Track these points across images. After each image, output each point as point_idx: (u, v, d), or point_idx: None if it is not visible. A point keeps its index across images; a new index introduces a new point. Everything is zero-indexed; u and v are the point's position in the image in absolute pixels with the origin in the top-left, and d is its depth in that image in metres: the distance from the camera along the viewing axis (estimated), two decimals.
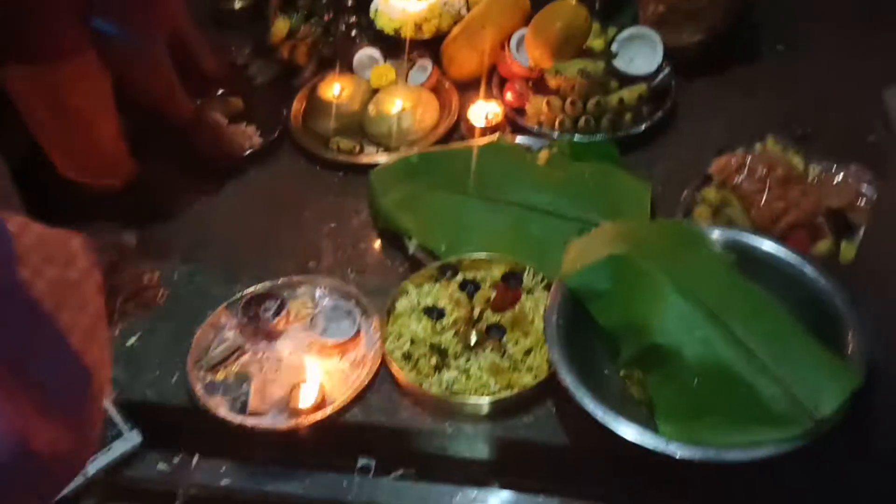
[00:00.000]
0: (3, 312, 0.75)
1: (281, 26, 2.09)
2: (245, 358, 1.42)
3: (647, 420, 1.21)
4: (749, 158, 1.53)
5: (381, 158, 1.80)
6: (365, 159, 1.82)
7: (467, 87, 1.96)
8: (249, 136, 1.87)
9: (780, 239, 1.40)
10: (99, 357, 0.83)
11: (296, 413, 1.33)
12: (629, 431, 1.17)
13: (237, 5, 2.20)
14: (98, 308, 0.85)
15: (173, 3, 1.58)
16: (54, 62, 1.47)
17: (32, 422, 0.73)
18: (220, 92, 1.96)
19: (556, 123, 1.81)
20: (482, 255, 1.50)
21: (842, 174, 1.51)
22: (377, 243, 1.65)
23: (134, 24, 1.45)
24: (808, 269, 1.32)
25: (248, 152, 1.84)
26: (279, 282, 1.52)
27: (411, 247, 1.58)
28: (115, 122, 1.65)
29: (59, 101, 1.53)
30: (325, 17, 2.13)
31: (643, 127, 1.80)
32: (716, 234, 1.39)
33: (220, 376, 1.39)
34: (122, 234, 1.01)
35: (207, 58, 1.84)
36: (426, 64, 1.98)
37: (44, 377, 0.76)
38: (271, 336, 1.44)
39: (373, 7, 2.11)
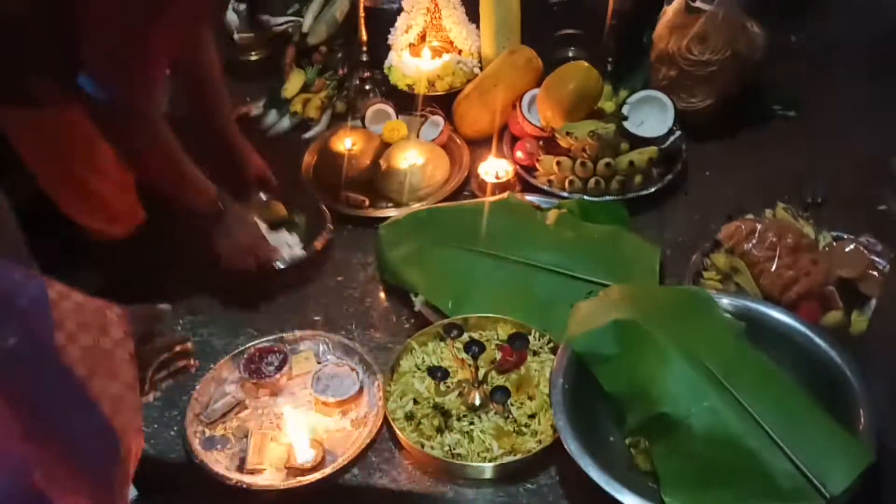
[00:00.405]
0: (38, 375, 0.77)
1: (296, 80, 2.12)
2: (245, 413, 1.40)
3: (652, 491, 1.18)
4: (759, 225, 1.52)
5: (391, 213, 1.80)
6: (374, 213, 1.82)
7: (478, 145, 1.97)
8: (291, 247, 1.69)
9: (790, 308, 1.38)
10: (128, 424, 0.84)
11: (294, 472, 1.30)
12: (634, 502, 1.14)
13: (253, 57, 2.23)
14: (129, 377, 0.87)
15: (159, 66, 1.43)
16: (44, 108, 1.47)
17: (60, 485, 0.73)
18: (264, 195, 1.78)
19: (567, 183, 1.81)
20: (488, 314, 1.48)
21: (853, 244, 1.49)
22: (383, 298, 1.64)
23: (117, 85, 1.34)
24: (819, 340, 1.30)
25: (285, 266, 1.65)
26: (283, 336, 1.50)
27: (417, 303, 1.57)
28: (120, 173, 1.64)
29: (55, 147, 1.53)
30: (340, 72, 2.16)
31: (653, 189, 1.80)
32: (724, 302, 1.37)
33: (218, 431, 1.37)
34: (156, 304, 1.03)
35: (251, 159, 1.75)
36: (438, 120, 1.99)
37: (73, 441, 0.78)
38: (273, 391, 1.42)
39: (387, 63, 2.14)
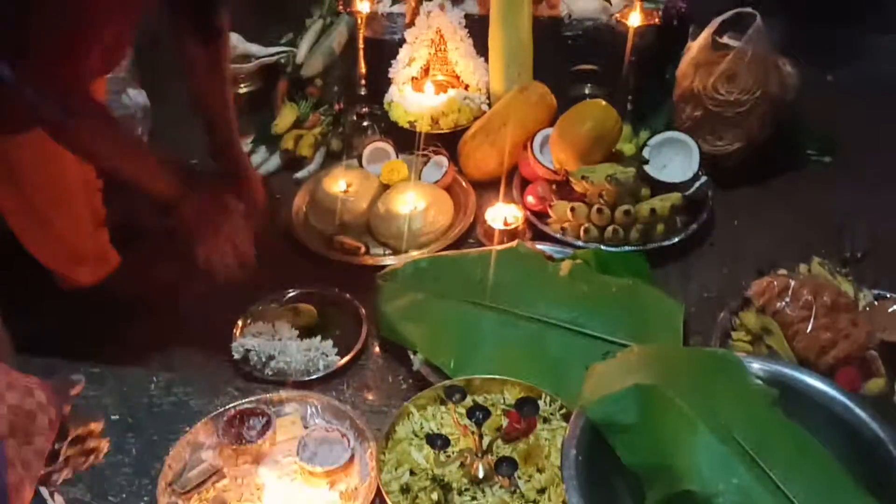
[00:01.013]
0: None
1: (288, 114, 2.14)
2: (223, 483, 1.38)
3: None
4: (793, 282, 1.52)
5: (389, 261, 1.81)
6: (370, 261, 1.83)
7: (485, 188, 1.98)
8: (326, 356, 1.63)
9: (827, 374, 1.38)
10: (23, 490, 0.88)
11: None
12: None
13: (243, 90, 2.26)
14: (42, 444, 0.92)
15: (89, 56, 1.44)
16: (3, 135, 1.49)
17: None
18: (291, 295, 1.75)
19: (582, 231, 1.82)
20: (494, 376, 1.48)
21: None
22: (379, 356, 1.64)
23: (50, 86, 1.36)
24: (859, 411, 1.29)
25: (316, 377, 1.60)
26: (267, 397, 1.49)
27: (416, 362, 1.56)
28: (87, 209, 1.66)
29: (13, 176, 1.55)
30: (336, 107, 2.19)
31: (676, 240, 1.80)
32: (755, 366, 1.36)
33: (193, 502, 1.36)
34: (70, 377, 1.06)
35: (252, 184, 1.74)
36: (442, 160, 2.01)
37: None
38: (254, 459, 1.41)
39: (387, 98, 2.16)
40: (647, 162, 1.88)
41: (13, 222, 1.63)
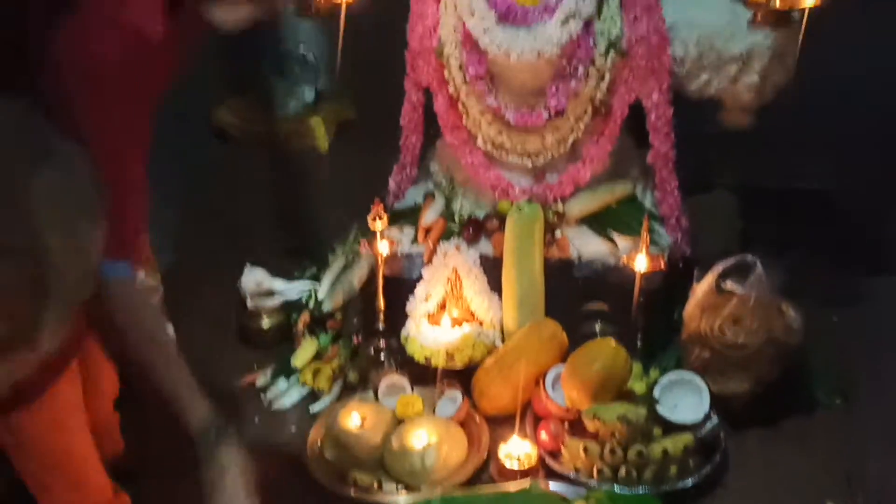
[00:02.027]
0: None
1: (308, 348, 2.20)
2: None
3: None
4: None
5: (402, 499, 1.80)
6: (384, 498, 1.81)
7: (499, 423, 1.99)
8: None
9: None
10: None
11: None
12: None
13: (265, 324, 2.32)
14: None
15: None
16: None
17: None
18: None
19: (595, 471, 1.81)
20: None
21: None
22: None
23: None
24: None
25: None
26: None
27: None
28: (92, 477, 1.65)
29: (23, 449, 1.56)
30: (355, 340, 2.24)
31: (690, 482, 1.79)
32: None
33: None
34: None
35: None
36: (456, 395, 2.03)
37: None
38: None
39: (404, 332, 2.22)
40: (658, 401, 1.90)
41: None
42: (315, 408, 2.10)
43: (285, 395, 2.13)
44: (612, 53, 2.06)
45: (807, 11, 1.92)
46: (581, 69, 2.07)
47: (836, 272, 2.34)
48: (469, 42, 2.09)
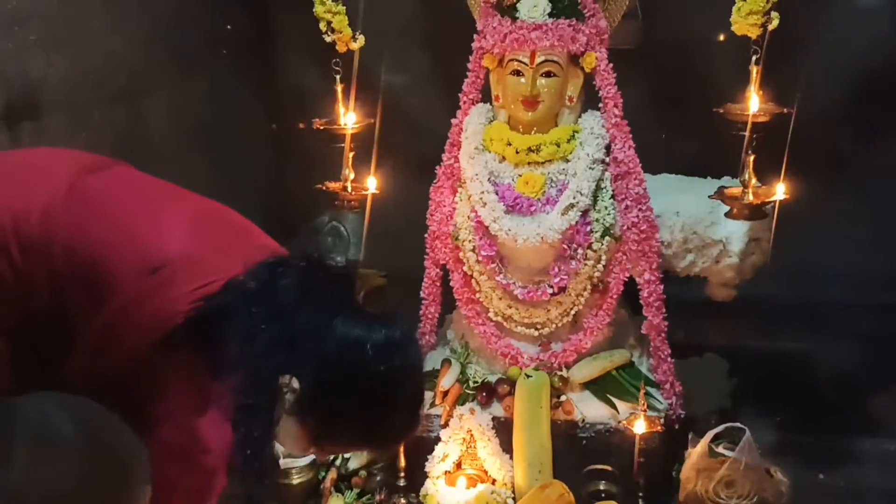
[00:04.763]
0: None
1: None
2: None
3: None
4: None
5: None
6: None
7: None
8: None
9: None
10: None
11: None
12: None
13: (295, 480, 2.43)
14: None
15: None
16: None
17: None
18: None
19: None
20: None
21: None
22: None
23: None
24: None
25: None
26: None
27: None
28: None
29: None
30: (378, 497, 2.36)
31: None
32: None
33: None
34: None
35: None
36: None
37: None
38: None
39: (423, 490, 2.34)
40: None
41: None
42: None
43: None
44: (607, 238, 2.27)
45: (777, 203, 2.12)
46: (580, 252, 2.27)
47: (822, 432, 2.45)
48: (481, 228, 2.31)
